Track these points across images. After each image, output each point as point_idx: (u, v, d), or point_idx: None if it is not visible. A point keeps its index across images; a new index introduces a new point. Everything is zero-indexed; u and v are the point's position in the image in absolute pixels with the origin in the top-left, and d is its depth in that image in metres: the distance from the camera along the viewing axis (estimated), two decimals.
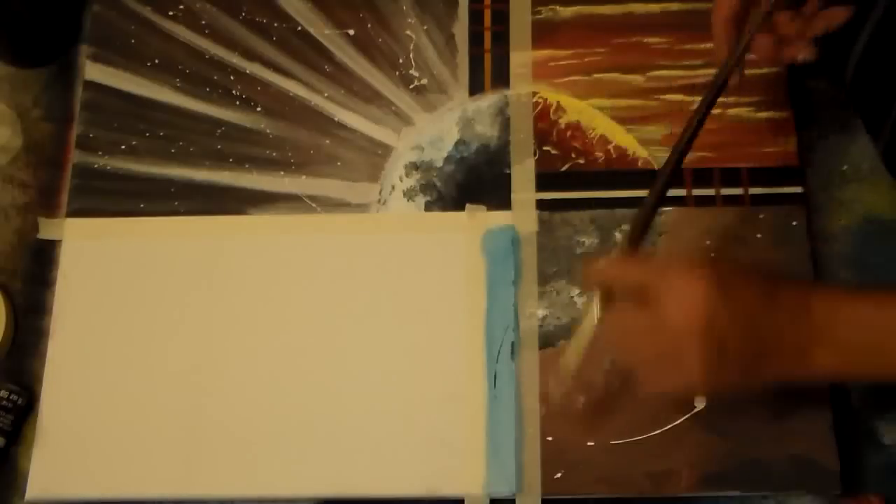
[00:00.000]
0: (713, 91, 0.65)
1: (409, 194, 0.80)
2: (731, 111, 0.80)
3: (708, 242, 0.76)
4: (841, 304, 0.58)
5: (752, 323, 0.57)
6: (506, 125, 0.81)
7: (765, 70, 0.81)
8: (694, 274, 0.57)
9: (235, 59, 0.84)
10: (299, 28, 0.85)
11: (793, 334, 0.57)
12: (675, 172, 0.65)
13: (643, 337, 0.59)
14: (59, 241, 0.79)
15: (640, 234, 0.64)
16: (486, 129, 0.81)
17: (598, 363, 0.72)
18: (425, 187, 0.80)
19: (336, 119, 0.82)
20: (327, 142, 0.82)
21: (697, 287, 0.56)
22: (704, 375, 0.57)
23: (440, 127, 0.82)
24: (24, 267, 0.80)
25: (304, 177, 0.81)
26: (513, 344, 0.74)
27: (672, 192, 0.67)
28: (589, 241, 0.77)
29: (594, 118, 0.81)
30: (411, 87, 0.83)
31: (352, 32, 0.85)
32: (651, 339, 0.58)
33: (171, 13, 0.86)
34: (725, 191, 0.78)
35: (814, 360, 0.58)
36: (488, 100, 0.82)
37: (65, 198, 0.81)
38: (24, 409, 0.75)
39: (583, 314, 0.67)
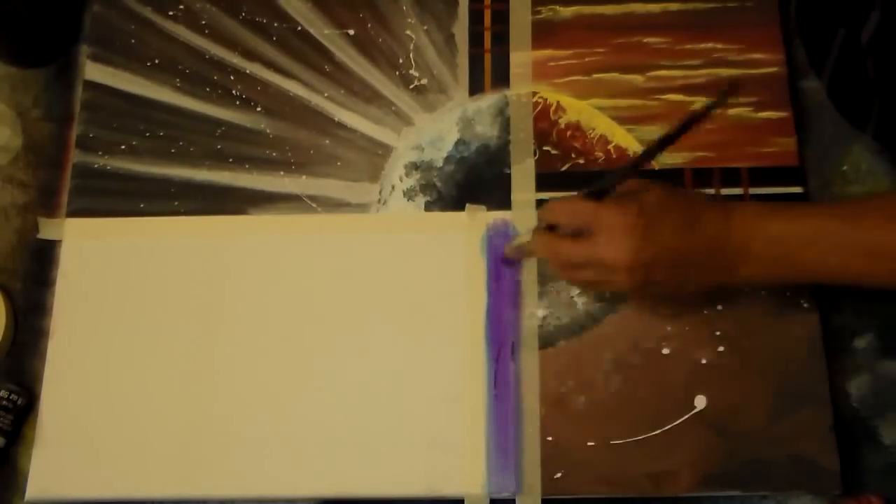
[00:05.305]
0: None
1: (409, 194, 0.80)
2: (731, 111, 0.80)
3: None
4: (756, 223, 0.64)
5: (675, 254, 0.64)
6: (506, 125, 0.81)
7: (765, 70, 0.81)
8: (623, 213, 0.64)
9: (235, 59, 0.84)
10: (299, 28, 0.85)
11: (715, 255, 0.64)
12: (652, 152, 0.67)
13: (581, 267, 0.67)
14: (59, 241, 0.79)
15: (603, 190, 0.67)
16: (486, 129, 0.81)
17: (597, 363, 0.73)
18: (425, 187, 0.80)
19: (336, 119, 0.82)
20: (327, 142, 0.82)
21: (625, 225, 0.63)
22: (633, 296, 0.71)
23: (440, 127, 0.82)
24: (24, 267, 0.80)
25: (304, 177, 0.81)
26: (513, 344, 0.74)
27: None
28: None
29: (594, 118, 0.81)
30: (411, 87, 0.83)
31: (352, 32, 0.85)
32: (587, 270, 0.66)
33: (171, 13, 0.86)
34: (725, 191, 0.78)
35: (737, 274, 0.65)
36: (488, 100, 0.82)
37: (65, 198, 0.81)
38: (24, 409, 0.75)
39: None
